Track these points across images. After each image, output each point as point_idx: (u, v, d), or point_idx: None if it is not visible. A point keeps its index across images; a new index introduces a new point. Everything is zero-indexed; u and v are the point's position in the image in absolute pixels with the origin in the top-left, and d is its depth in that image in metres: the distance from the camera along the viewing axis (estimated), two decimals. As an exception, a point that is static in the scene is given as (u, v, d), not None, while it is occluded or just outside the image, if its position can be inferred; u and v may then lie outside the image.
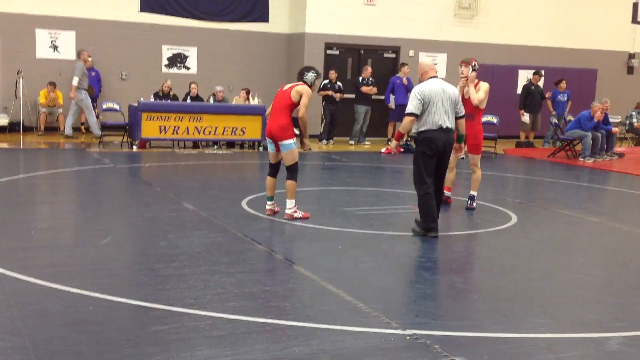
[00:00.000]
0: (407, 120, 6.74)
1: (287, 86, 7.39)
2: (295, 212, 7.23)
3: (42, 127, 14.55)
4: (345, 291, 4.91)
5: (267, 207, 7.46)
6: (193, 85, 14.15)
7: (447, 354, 3.89)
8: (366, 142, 15.58)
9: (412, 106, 6.70)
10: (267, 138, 7.37)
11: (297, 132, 13.65)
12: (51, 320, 4.08)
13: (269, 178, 7.42)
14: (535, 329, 4.40)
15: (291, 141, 7.21)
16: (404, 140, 14.23)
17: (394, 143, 7.25)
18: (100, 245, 5.92)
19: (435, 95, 6.68)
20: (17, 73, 14.03)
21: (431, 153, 6.70)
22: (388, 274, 5.57)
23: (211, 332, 4.03)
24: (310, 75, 7.32)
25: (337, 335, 4.10)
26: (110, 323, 4.08)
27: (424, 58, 7.16)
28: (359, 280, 5.30)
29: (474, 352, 3.96)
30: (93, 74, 14.73)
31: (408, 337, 4.12)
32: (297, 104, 7.21)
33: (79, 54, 14.16)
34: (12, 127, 14.23)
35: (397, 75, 15.55)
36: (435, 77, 6.91)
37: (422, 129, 6.72)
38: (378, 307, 4.59)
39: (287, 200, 7.26)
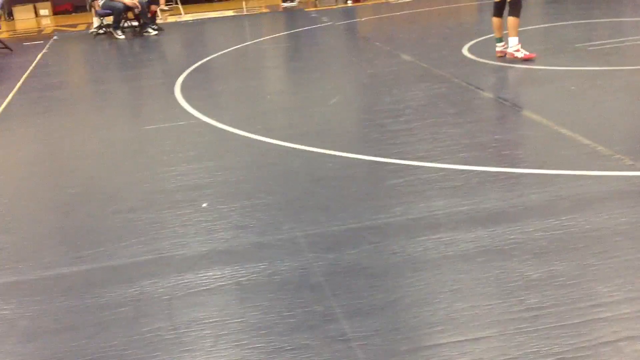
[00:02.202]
0: None
1: None
2: (518, 50, 6.88)
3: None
4: (583, 134, 4.67)
5: (498, 49, 7.21)
6: None
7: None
8: None
9: None
10: None
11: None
12: (297, 178, 4.43)
13: (495, 18, 7.11)
14: None
15: None
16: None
17: None
18: (330, 104, 6.19)
19: None
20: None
21: None
22: (631, 114, 5.17)
23: (445, 184, 4.11)
24: None
25: (575, 180, 3.97)
26: (350, 179, 4.33)
27: None
28: (598, 121, 5.00)
29: None
30: None
31: (656, 180, 3.87)
32: None
33: None
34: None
35: None
36: None
37: None
38: (621, 149, 4.33)
39: (509, 38, 6.94)
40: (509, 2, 6.87)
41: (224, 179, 4.48)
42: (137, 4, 11.07)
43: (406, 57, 7.76)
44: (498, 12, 7.05)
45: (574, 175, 4.04)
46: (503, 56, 7.11)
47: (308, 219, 3.73)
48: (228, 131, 5.53)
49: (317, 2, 13.26)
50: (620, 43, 7.44)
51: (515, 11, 6.81)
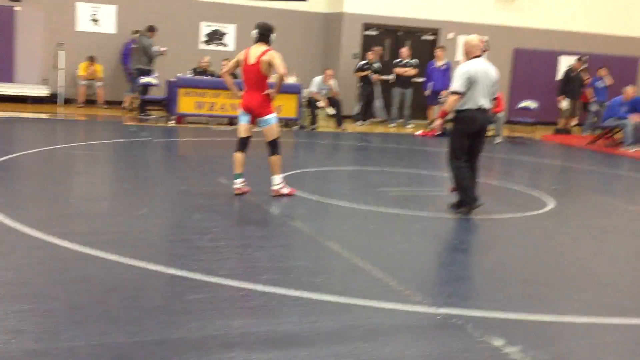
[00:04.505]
0: (453, 98, 6.69)
1: (250, 57, 6.80)
2: (283, 187, 7.06)
3: (82, 99, 14.73)
4: (378, 268, 4.90)
5: (237, 185, 6.93)
6: (223, 62, 14.13)
7: (481, 335, 3.86)
8: (409, 125, 15.35)
9: (458, 85, 6.64)
10: (243, 110, 6.94)
11: (332, 111, 13.49)
12: (88, 285, 4.15)
13: (238, 154, 6.93)
14: (571, 313, 4.35)
15: (271, 116, 6.94)
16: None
17: (438, 122, 7.26)
18: (137, 215, 6.00)
19: (480, 76, 6.64)
20: (58, 45, 14.22)
21: (469, 132, 6.71)
22: (421, 254, 5.55)
23: (244, 303, 4.06)
24: (273, 37, 6.94)
25: (369, 311, 4.10)
26: (146, 290, 4.13)
27: (472, 36, 7.01)
28: (392, 259, 5.29)
29: (509, 333, 3.91)
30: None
31: (440, 317, 4.10)
32: (268, 74, 6.87)
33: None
34: (52, 99, 14.43)
35: (432, 61, 15.25)
36: (479, 56, 6.84)
37: (463, 107, 6.69)
38: (410, 286, 4.58)
39: (274, 177, 6.97)
40: (269, 142, 6.93)
41: (6, 280, 4.08)
42: None
43: (221, 179, 7.83)
44: (243, 147, 6.96)
45: (368, 306, 4.18)
46: (241, 194, 6.91)
47: (93, 328, 3.47)
48: (20, 231, 5.12)
49: (138, 119, 13.19)
50: (417, 192, 8.10)
51: (277, 150, 6.93)
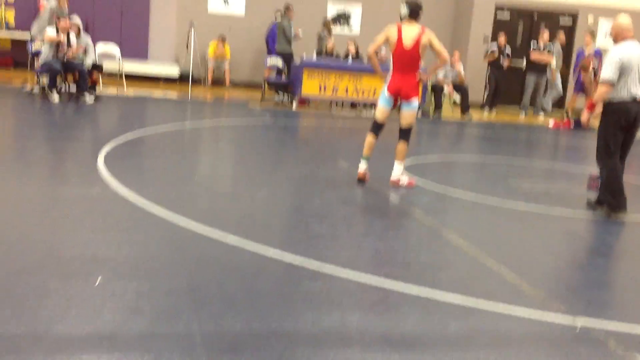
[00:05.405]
0: (603, 88, 5.99)
1: (406, 38, 6.45)
2: (403, 176, 6.68)
3: (210, 80, 15.06)
4: (509, 269, 4.54)
5: (361, 169, 6.64)
6: (349, 43, 13.95)
7: (623, 352, 3.45)
8: (541, 114, 14.56)
9: (609, 72, 5.94)
10: (390, 94, 6.62)
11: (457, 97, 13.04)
12: (207, 266, 4.08)
13: (371, 137, 6.69)
14: None
15: (417, 101, 6.66)
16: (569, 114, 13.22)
17: (585, 115, 6.36)
18: (256, 197, 5.94)
19: (634, 62, 5.96)
20: (190, 25, 14.58)
21: (622, 125, 6.05)
22: (556, 256, 5.11)
23: (362, 297, 3.86)
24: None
25: (497, 316, 3.77)
26: (263, 275, 4.02)
27: (622, 15, 6.31)
28: (523, 258, 4.90)
29: (655, 352, 3.50)
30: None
31: (579, 328, 3.71)
32: (423, 56, 6.55)
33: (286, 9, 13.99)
34: (183, 78, 14.85)
35: (581, 47, 14.20)
36: (632, 38, 6.14)
37: (615, 99, 6.03)
38: (545, 290, 4.19)
39: (397, 165, 6.63)
40: (405, 128, 6.63)
41: (127, 255, 4.10)
42: (64, 42, 10.70)
43: (344, 163, 7.66)
44: (378, 131, 6.71)
45: (496, 311, 3.85)
46: (364, 180, 6.67)
47: (210, 312, 3.38)
48: (144, 207, 5.17)
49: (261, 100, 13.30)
50: (551, 187, 7.57)
51: (408, 138, 6.62)
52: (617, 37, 6.10)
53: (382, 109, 6.67)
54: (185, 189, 6.01)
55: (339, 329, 3.39)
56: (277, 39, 13.79)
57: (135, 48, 15.24)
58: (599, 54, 13.13)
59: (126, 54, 14.17)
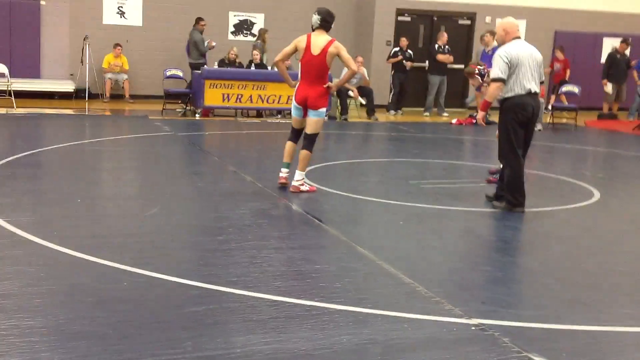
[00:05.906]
0: (494, 86, 6.08)
1: (314, 47, 6.43)
2: (303, 184, 6.60)
3: (108, 94, 14.48)
4: (404, 272, 4.42)
5: (282, 174, 6.65)
6: (255, 52, 13.72)
7: (519, 349, 3.37)
8: (444, 114, 14.75)
9: (498, 70, 6.03)
10: (297, 104, 6.56)
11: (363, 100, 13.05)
12: (80, 296, 3.76)
13: (290, 143, 6.69)
14: (621, 321, 3.83)
15: (324, 109, 6.61)
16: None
17: (480, 114, 6.55)
18: (146, 216, 5.61)
19: (522, 57, 6.04)
20: (84, 39, 13.98)
21: (521, 120, 6.10)
22: (453, 255, 5.05)
23: (251, 315, 3.63)
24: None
25: (391, 323, 3.64)
26: (143, 302, 3.73)
27: (507, 17, 6.42)
28: (420, 260, 4.80)
29: (550, 347, 3.43)
30: None
31: (473, 328, 3.62)
32: (330, 66, 6.53)
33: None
34: (79, 94, 14.20)
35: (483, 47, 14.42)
36: (519, 38, 6.25)
37: (509, 94, 6.08)
38: (439, 292, 4.09)
39: (298, 172, 6.56)
40: (308, 134, 6.56)
41: (-10, 291, 3.72)
42: None
43: (244, 175, 7.42)
44: (295, 138, 6.70)
45: (390, 316, 3.71)
46: (285, 186, 6.62)
47: (76, 349, 3.07)
48: (14, 233, 4.77)
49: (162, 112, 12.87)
50: (451, 184, 7.57)
51: (311, 145, 6.57)
52: (506, 37, 6.18)
53: (294, 119, 6.73)
54: (68, 212, 5.61)
55: (222, 353, 3.15)
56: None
57: (27, 66, 14.47)
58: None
59: (17, 72, 13.46)
